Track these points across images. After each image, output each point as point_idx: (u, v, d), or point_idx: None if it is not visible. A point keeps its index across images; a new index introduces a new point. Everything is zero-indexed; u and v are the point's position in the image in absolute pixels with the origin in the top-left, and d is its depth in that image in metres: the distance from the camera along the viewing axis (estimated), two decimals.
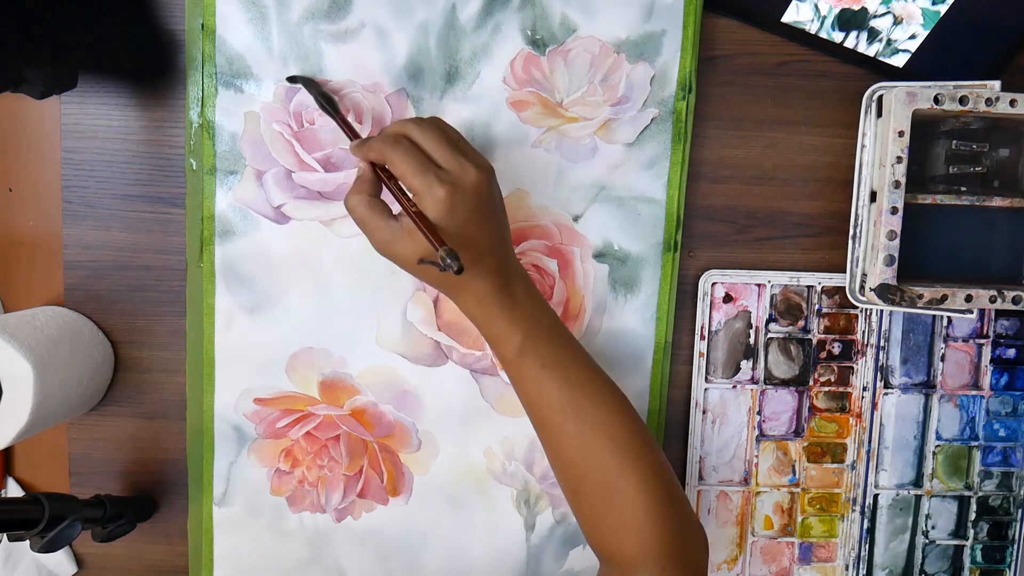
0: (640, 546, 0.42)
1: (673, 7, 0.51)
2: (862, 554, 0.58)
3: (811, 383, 0.56)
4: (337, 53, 0.51)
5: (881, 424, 0.57)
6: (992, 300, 0.50)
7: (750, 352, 0.56)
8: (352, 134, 0.46)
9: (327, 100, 0.49)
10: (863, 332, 0.56)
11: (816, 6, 0.51)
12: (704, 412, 0.56)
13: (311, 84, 0.50)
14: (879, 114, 0.51)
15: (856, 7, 0.51)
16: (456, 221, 0.40)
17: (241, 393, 0.54)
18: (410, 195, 0.41)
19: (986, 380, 0.57)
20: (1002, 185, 0.53)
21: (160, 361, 0.55)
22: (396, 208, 0.43)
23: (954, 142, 0.52)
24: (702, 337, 0.55)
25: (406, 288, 0.54)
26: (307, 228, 0.53)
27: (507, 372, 0.46)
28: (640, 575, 0.42)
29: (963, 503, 0.58)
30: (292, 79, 0.50)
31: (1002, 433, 0.57)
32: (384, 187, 0.43)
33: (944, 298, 0.50)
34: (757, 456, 0.57)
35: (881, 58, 0.52)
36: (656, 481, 0.43)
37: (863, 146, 0.52)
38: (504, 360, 0.45)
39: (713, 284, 0.55)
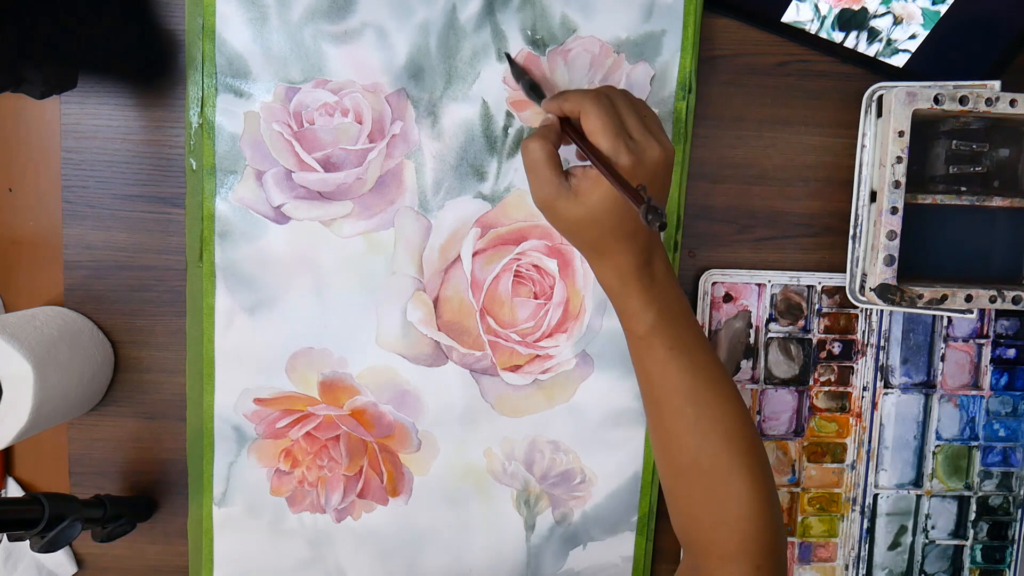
0: (740, 540, 0.42)
1: (673, 7, 0.51)
2: (862, 554, 0.58)
3: (811, 383, 0.56)
4: (337, 53, 0.51)
5: (881, 424, 0.57)
6: (992, 300, 0.50)
7: (750, 352, 0.56)
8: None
9: (536, 91, 0.49)
10: (863, 332, 0.56)
11: (816, 6, 0.51)
12: None
13: (523, 74, 0.50)
14: (879, 114, 0.51)
15: (856, 7, 0.51)
16: None
17: (241, 393, 0.54)
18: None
19: (986, 380, 0.57)
20: (1002, 185, 0.53)
21: (160, 361, 0.55)
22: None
23: (954, 142, 0.52)
24: None
25: (406, 288, 0.54)
26: (307, 228, 0.53)
27: (632, 347, 0.45)
28: (734, 569, 0.42)
29: (963, 503, 0.58)
30: (508, 57, 0.51)
31: (1002, 433, 0.57)
32: (571, 144, 0.43)
33: (944, 298, 0.50)
34: None
35: (881, 58, 0.52)
36: (763, 477, 0.43)
37: (863, 146, 0.52)
38: (633, 335, 0.44)
39: (713, 284, 0.55)
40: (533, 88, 0.49)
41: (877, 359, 0.56)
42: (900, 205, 0.49)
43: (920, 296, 0.50)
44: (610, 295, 0.45)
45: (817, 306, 0.56)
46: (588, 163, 0.41)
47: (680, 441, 0.44)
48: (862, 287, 0.52)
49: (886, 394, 0.57)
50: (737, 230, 0.56)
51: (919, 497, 0.57)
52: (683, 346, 0.43)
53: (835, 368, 0.56)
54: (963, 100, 0.48)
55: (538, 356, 0.55)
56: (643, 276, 0.43)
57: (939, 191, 0.52)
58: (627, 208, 0.40)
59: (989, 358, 0.57)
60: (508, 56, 0.51)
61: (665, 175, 0.42)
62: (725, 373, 0.45)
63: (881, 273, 0.50)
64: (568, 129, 0.42)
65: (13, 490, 0.57)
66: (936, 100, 0.48)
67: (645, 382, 0.45)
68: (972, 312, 0.53)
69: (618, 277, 0.43)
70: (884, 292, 0.50)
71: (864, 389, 0.57)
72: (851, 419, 0.57)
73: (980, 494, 0.57)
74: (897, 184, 0.49)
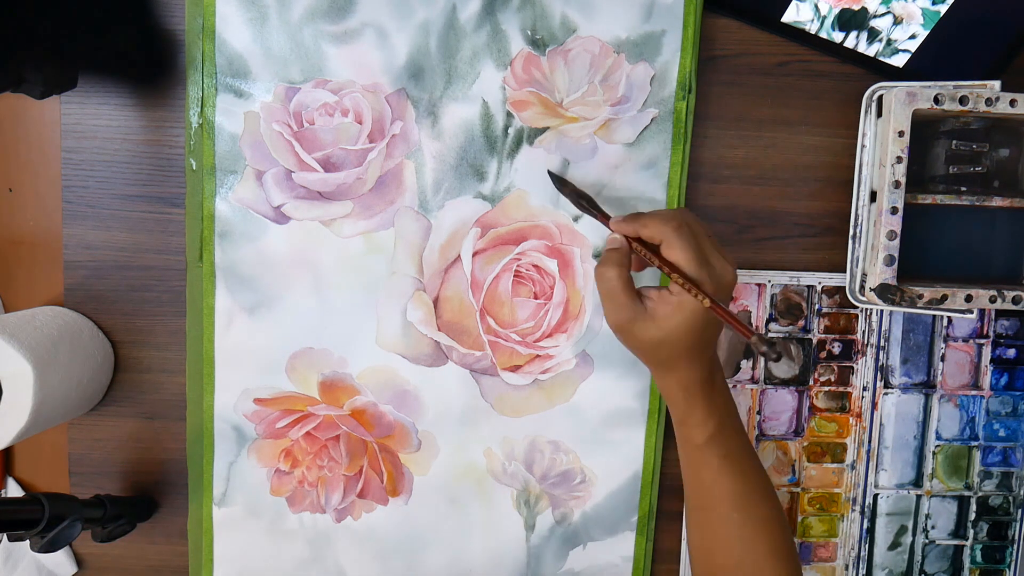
0: None
1: (673, 7, 0.51)
2: (862, 554, 0.58)
3: (811, 383, 0.56)
4: (337, 53, 0.51)
5: (881, 424, 0.57)
6: (992, 300, 0.50)
7: (750, 352, 0.56)
8: (607, 217, 0.47)
9: (584, 198, 0.49)
10: (863, 332, 0.56)
11: (816, 6, 0.51)
12: None
13: (565, 184, 0.51)
14: (879, 114, 0.51)
15: (856, 7, 0.51)
16: (709, 319, 0.41)
17: (241, 393, 0.54)
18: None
19: (986, 380, 0.57)
20: (1002, 185, 0.53)
21: (160, 361, 0.55)
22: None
23: (954, 142, 0.52)
24: None
25: (406, 288, 0.54)
26: (307, 228, 0.53)
27: (686, 455, 0.46)
28: None
29: (963, 503, 0.58)
30: (552, 176, 0.51)
31: (1002, 433, 0.57)
32: (642, 265, 0.44)
33: (944, 298, 0.50)
34: None
35: (881, 58, 0.52)
36: None
37: (863, 146, 0.52)
38: (690, 443, 0.46)
39: None
40: (584, 198, 0.49)
41: (877, 359, 0.56)
42: (900, 205, 0.49)
43: (920, 296, 0.50)
44: (671, 405, 0.46)
45: (817, 306, 0.56)
46: (658, 286, 0.42)
47: (725, 544, 0.45)
48: (862, 287, 0.52)
49: (886, 394, 0.57)
50: (737, 230, 0.56)
51: (919, 497, 0.57)
52: (736, 455, 0.45)
53: (835, 368, 0.56)
54: (963, 100, 0.48)
55: (538, 356, 0.55)
56: (706, 389, 0.44)
57: (939, 191, 0.52)
58: (704, 329, 0.42)
59: (989, 358, 0.57)
60: (551, 173, 0.51)
61: (729, 295, 0.44)
62: (769, 481, 0.47)
63: (881, 273, 0.50)
64: (646, 254, 0.43)
65: (13, 490, 0.57)
66: (936, 100, 0.48)
67: (696, 488, 0.46)
68: (972, 312, 0.53)
69: (683, 390, 0.44)
70: (884, 292, 0.50)
71: (864, 389, 0.57)
72: (851, 419, 0.57)
73: (980, 494, 0.57)
74: (897, 184, 0.49)
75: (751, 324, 0.56)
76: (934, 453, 0.57)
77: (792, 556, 0.45)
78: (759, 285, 0.55)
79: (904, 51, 0.52)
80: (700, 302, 0.40)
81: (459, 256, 0.53)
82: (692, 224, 0.43)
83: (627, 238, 0.44)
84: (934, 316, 0.56)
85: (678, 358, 0.43)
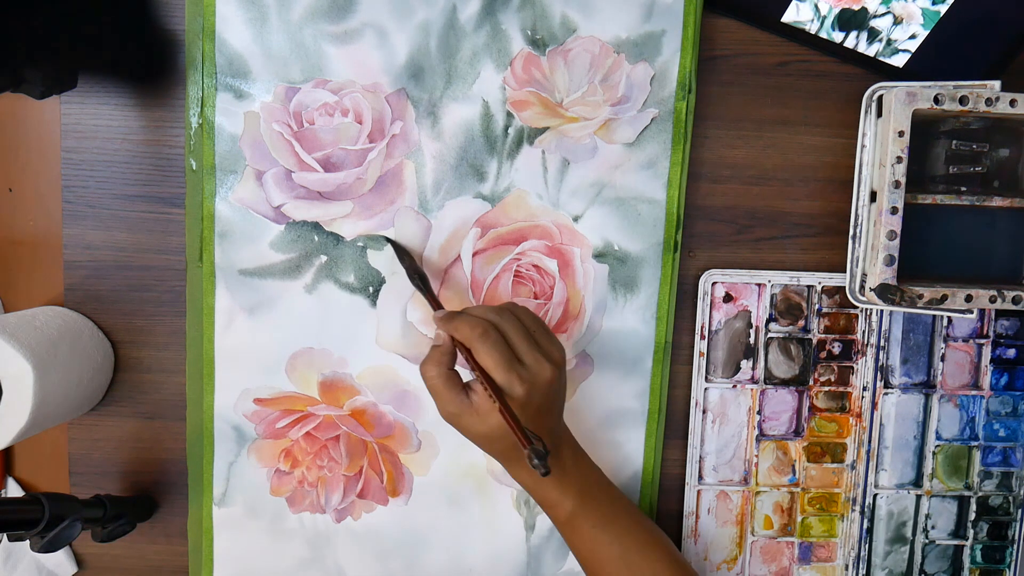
0: None
1: (673, 7, 0.51)
2: (862, 554, 0.58)
3: (811, 383, 0.56)
4: (337, 53, 0.51)
5: (881, 424, 0.57)
6: (992, 300, 0.50)
7: (750, 352, 0.56)
8: (436, 305, 0.48)
9: (419, 275, 0.50)
10: (863, 332, 0.56)
11: (816, 6, 0.51)
12: (704, 412, 0.56)
13: (404, 255, 0.51)
14: (879, 114, 0.51)
15: (856, 7, 0.51)
16: (527, 416, 0.42)
17: (241, 393, 0.54)
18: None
19: (986, 380, 0.57)
20: (1002, 185, 0.53)
21: (160, 361, 0.55)
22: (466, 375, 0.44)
23: (954, 142, 0.52)
24: (702, 337, 0.55)
25: (406, 288, 0.54)
26: (307, 228, 0.53)
27: (560, 532, 0.48)
28: None
29: (963, 503, 0.58)
30: (389, 240, 0.52)
31: (1002, 433, 0.57)
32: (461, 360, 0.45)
33: (944, 298, 0.50)
34: (757, 456, 0.57)
35: (881, 58, 0.52)
36: None
37: (863, 146, 0.52)
38: (557, 522, 0.48)
39: (713, 284, 0.55)
40: (419, 274, 0.50)
41: (877, 359, 0.56)
42: (900, 205, 0.49)
43: (920, 296, 0.50)
44: (528, 491, 0.48)
45: (817, 306, 0.56)
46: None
47: None
48: (862, 287, 0.52)
49: (886, 394, 0.57)
50: (737, 230, 0.56)
51: (919, 497, 0.57)
52: (606, 520, 0.47)
53: (835, 368, 0.56)
54: (963, 100, 0.48)
55: None
56: (554, 470, 0.45)
57: (939, 191, 0.52)
58: (527, 421, 0.42)
59: (989, 358, 0.57)
60: (388, 239, 0.52)
61: (559, 387, 0.45)
62: (655, 534, 0.49)
63: (881, 273, 0.50)
64: (464, 354, 0.44)
65: (13, 490, 0.57)
66: (936, 100, 0.48)
67: (579, 559, 0.49)
68: (972, 312, 0.53)
69: (530, 476, 0.46)
70: (884, 292, 0.50)
71: (864, 389, 0.57)
72: (851, 419, 0.57)
73: (980, 494, 0.57)
74: (897, 184, 0.49)
75: (751, 324, 0.56)
76: (934, 453, 0.57)
77: None
78: (759, 285, 0.55)
79: (904, 51, 0.52)
80: (494, 404, 0.41)
81: (459, 256, 0.53)
82: (504, 324, 0.43)
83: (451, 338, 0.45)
84: (934, 316, 0.56)
85: (512, 448, 0.44)
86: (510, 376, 0.42)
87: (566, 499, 0.46)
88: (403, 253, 0.51)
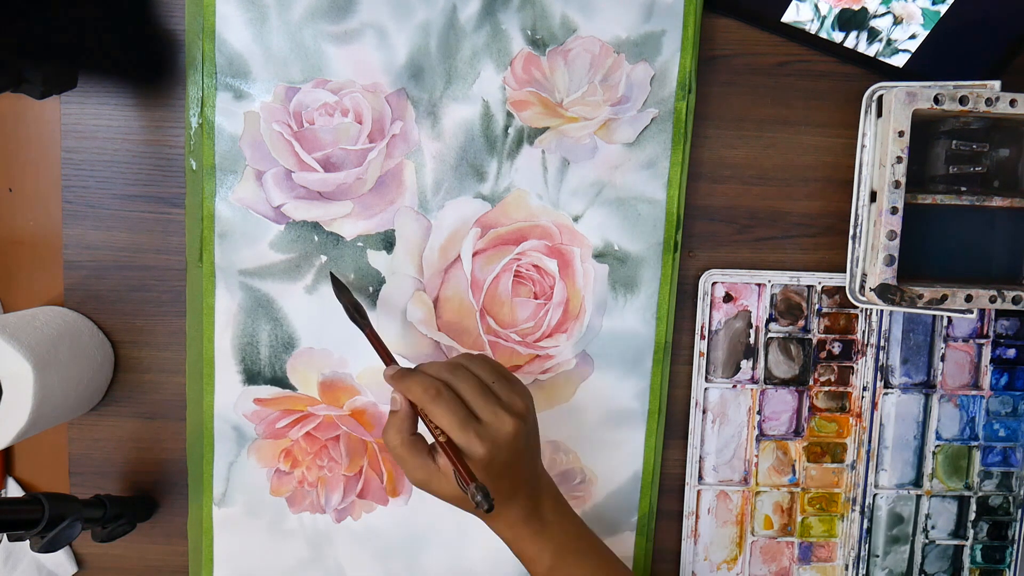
0: None
1: (673, 7, 0.51)
2: (862, 554, 0.58)
3: (811, 383, 0.56)
4: (337, 53, 0.51)
5: (881, 424, 0.57)
6: (992, 300, 0.50)
7: (750, 352, 0.56)
8: (386, 356, 0.46)
9: (358, 312, 0.48)
10: (863, 332, 0.56)
11: (816, 6, 0.51)
12: (704, 412, 0.56)
13: (343, 292, 0.49)
14: (879, 114, 0.51)
15: (856, 7, 0.51)
16: (493, 472, 0.41)
17: (241, 393, 0.54)
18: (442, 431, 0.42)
19: (986, 380, 0.57)
20: (1002, 185, 0.53)
21: (160, 361, 0.55)
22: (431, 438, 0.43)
23: (954, 142, 0.52)
24: (702, 337, 0.55)
25: (406, 288, 0.54)
26: (307, 228, 0.53)
27: None
28: None
29: (963, 503, 0.58)
30: (333, 278, 0.50)
31: (1002, 433, 0.57)
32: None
33: (944, 298, 0.50)
34: (757, 456, 0.57)
35: (881, 58, 0.52)
36: None
37: (863, 146, 0.52)
38: (535, 575, 0.46)
39: (713, 284, 0.55)
40: (358, 311, 0.48)
41: (877, 359, 0.56)
42: (900, 205, 0.49)
43: (920, 296, 0.50)
44: (507, 544, 0.46)
45: (817, 306, 0.56)
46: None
47: None
48: (862, 287, 0.52)
49: (886, 394, 0.57)
50: (737, 230, 0.56)
51: (919, 497, 0.57)
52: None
53: (835, 368, 0.56)
54: (963, 100, 0.48)
55: (538, 356, 0.55)
56: (532, 523, 0.45)
57: (939, 191, 0.52)
58: (498, 479, 0.42)
59: (989, 358, 0.56)
60: (332, 275, 0.51)
61: (524, 437, 0.43)
62: None
63: (881, 273, 0.50)
64: (420, 414, 0.43)
65: (13, 490, 0.57)
66: (936, 100, 0.48)
67: None
68: (972, 312, 0.53)
69: (509, 529, 0.45)
70: (884, 292, 0.50)
71: (864, 389, 0.57)
72: (851, 419, 0.57)
73: (980, 494, 0.57)
74: (897, 184, 0.49)
75: (751, 324, 0.56)
76: (934, 453, 0.57)
77: None
78: (759, 285, 0.55)
79: (904, 51, 0.52)
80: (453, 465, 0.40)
81: (459, 256, 0.53)
82: (457, 382, 0.42)
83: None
84: (934, 316, 0.56)
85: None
86: (467, 436, 0.41)
87: (544, 554, 0.45)
88: (341, 289, 0.50)
